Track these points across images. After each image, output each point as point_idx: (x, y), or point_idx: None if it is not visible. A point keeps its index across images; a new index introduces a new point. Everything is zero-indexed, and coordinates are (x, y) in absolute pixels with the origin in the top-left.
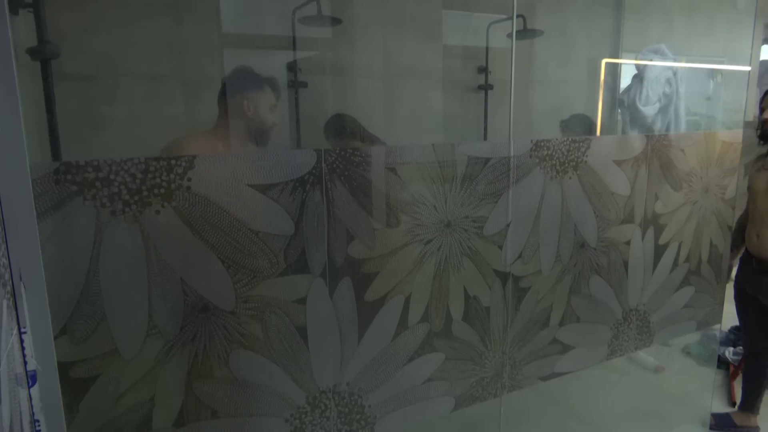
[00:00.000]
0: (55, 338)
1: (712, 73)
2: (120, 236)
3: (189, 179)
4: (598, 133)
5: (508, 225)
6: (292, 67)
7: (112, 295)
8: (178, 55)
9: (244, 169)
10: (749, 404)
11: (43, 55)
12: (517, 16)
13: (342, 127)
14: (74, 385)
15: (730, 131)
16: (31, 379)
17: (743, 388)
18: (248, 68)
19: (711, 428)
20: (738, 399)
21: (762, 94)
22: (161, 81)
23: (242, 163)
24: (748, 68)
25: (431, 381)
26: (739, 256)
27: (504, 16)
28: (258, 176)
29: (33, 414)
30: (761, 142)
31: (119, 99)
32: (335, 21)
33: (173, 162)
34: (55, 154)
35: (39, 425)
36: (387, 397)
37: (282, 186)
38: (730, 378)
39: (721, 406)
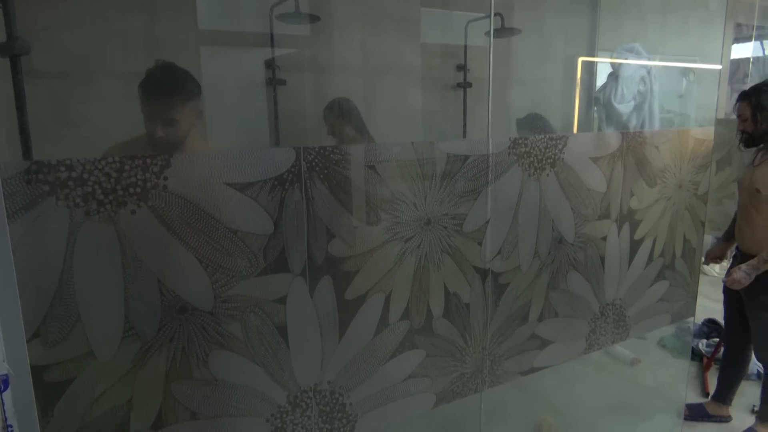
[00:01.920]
0: (28, 341)
1: (685, 71)
2: (94, 237)
3: (165, 178)
4: (575, 130)
5: (487, 222)
6: (270, 64)
7: (87, 297)
8: (153, 52)
9: (221, 168)
10: (723, 395)
11: (12, 51)
12: (495, 15)
13: (345, 113)
14: (48, 389)
15: (702, 128)
16: (3, 383)
17: (719, 378)
18: (164, 66)
19: (685, 418)
20: (711, 390)
21: (735, 100)
22: (136, 78)
23: (220, 162)
24: (719, 67)
25: (412, 378)
26: (732, 248)
27: (482, 15)
28: (236, 175)
29: (6, 419)
30: (742, 146)
31: (93, 97)
32: (313, 18)
33: (149, 161)
34: (26, 153)
35: (12, 430)
36: (368, 394)
37: (261, 184)
38: (703, 369)
39: (695, 397)
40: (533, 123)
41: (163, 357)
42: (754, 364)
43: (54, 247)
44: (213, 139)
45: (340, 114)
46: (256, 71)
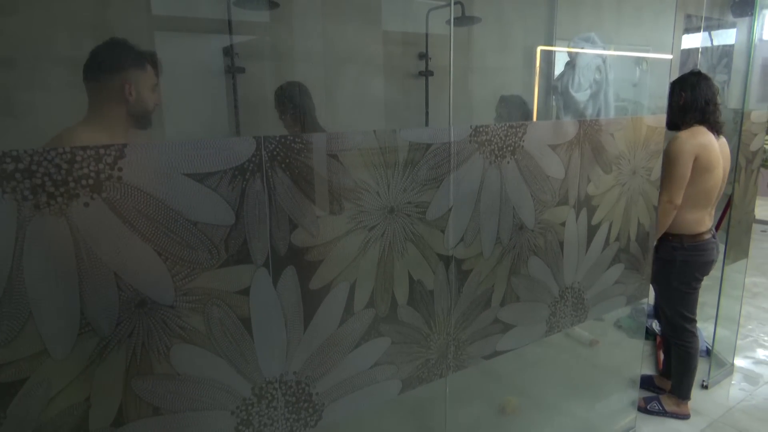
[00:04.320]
0: None
1: (638, 60)
2: (45, 231)
3: (120, 169)
4: (534, 118)
5: (450, 209)
6: (228, 51)
7: (39, 294)
8: (104, 38)
9: (179, 158)
10: (669, 370)
11: None
12: (455, 3)
13: (299, 99)
14: (0, 390)
15: (655, 116)
16: None
17: (664, 354)
18: (124, 42)
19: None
20: (664, 367)
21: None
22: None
23: (177, 152)
24: (671, 56)
25: (378, 365)
26: None
27: (443, 3)
28: (194, 165)
29: None
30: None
31: (39, 85)
32: (272, 5)
33: (102, 151)
34: None
35: None
36: (334, 383)
37: (220, 175)
38: (657, 348)
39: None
40: (520, 105)
41: (122, 353)
42: (704, 342)
43: (1, 243)
44: (170, 129)
45: (291, 99)
46: (213, 58)
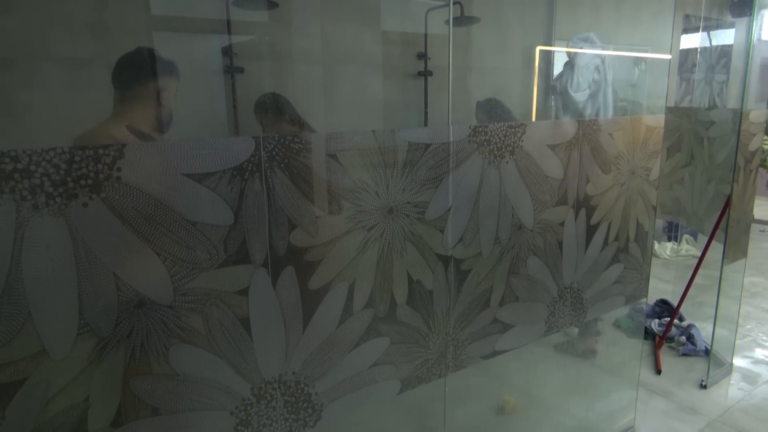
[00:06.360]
0: None
1: (637, 60)
2: (44, 231)
3: (119, 169)
4: (533, 118)
5: (449, 209)
6: (227, 51)
7: (38, 294)
8: (102, 38)
9: (178, 158)
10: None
11: None
12: (454, 3)
13: (275, 107)
14: None
15: (654, 116)
16: None
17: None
18: (154, 51)
19: None
20: (663, 367)
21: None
22: (84, 65)
23: (176, 152)
24: (669, 56)
25: (377, 365)
26: None
27: (441, 3)
28: (193, 165)
29: None
30: None
31: (38, 85)
32: (271, 4)
33: (101, 151)
34: None
35: None
36: (334, 383)
37: (219, 175)
38: (656, 348)
39: (648, 374)
40: (492, 108)
41: (121, 353)
42: (702, 341)
43: (0, 243)
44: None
45: (270, 109)
46: (212, 58)
